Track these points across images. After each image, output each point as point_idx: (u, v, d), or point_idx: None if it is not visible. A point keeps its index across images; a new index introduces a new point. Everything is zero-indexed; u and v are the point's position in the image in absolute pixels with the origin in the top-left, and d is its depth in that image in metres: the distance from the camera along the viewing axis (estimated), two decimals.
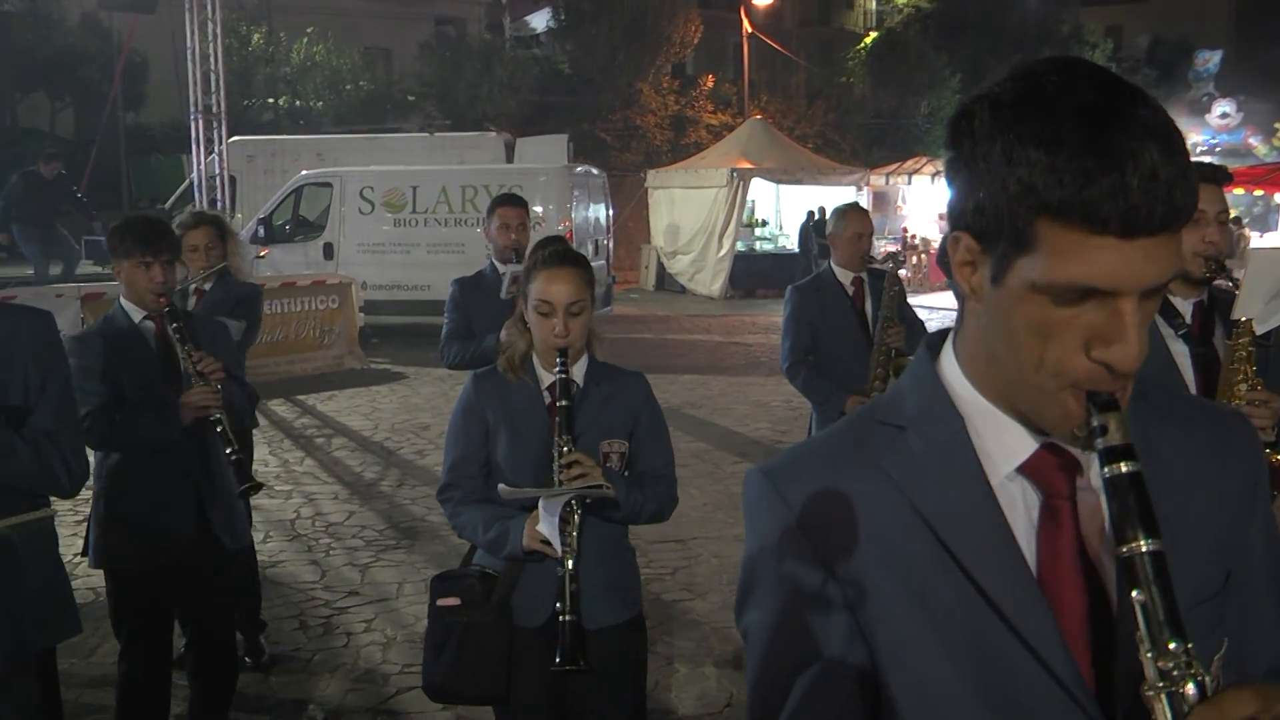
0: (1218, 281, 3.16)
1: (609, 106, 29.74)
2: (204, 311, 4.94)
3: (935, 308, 17.55)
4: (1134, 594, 1.00)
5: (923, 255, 23.59)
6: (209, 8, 14.98)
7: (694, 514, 7.32)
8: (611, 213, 19.06)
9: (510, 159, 19.58)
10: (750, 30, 31.80)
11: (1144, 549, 1.00)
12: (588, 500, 2.92)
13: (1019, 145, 1.03)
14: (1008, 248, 1.07)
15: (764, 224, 25.97)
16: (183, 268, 5.07)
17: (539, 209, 15.59)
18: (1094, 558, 1.16)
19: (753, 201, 24.53)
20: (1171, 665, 0.96)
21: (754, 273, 23.35)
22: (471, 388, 3.11)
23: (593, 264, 3.22)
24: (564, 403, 2.94)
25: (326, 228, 16.94)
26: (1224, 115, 31.74)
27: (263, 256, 16.28)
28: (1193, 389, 3.02)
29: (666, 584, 6.12)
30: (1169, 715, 0.96)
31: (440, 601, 3.05)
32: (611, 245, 19.13)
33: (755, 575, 1.24)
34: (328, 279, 14.70)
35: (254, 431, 5.38)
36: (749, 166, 22.57)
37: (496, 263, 5.11)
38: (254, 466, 5.30)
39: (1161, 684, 0.97)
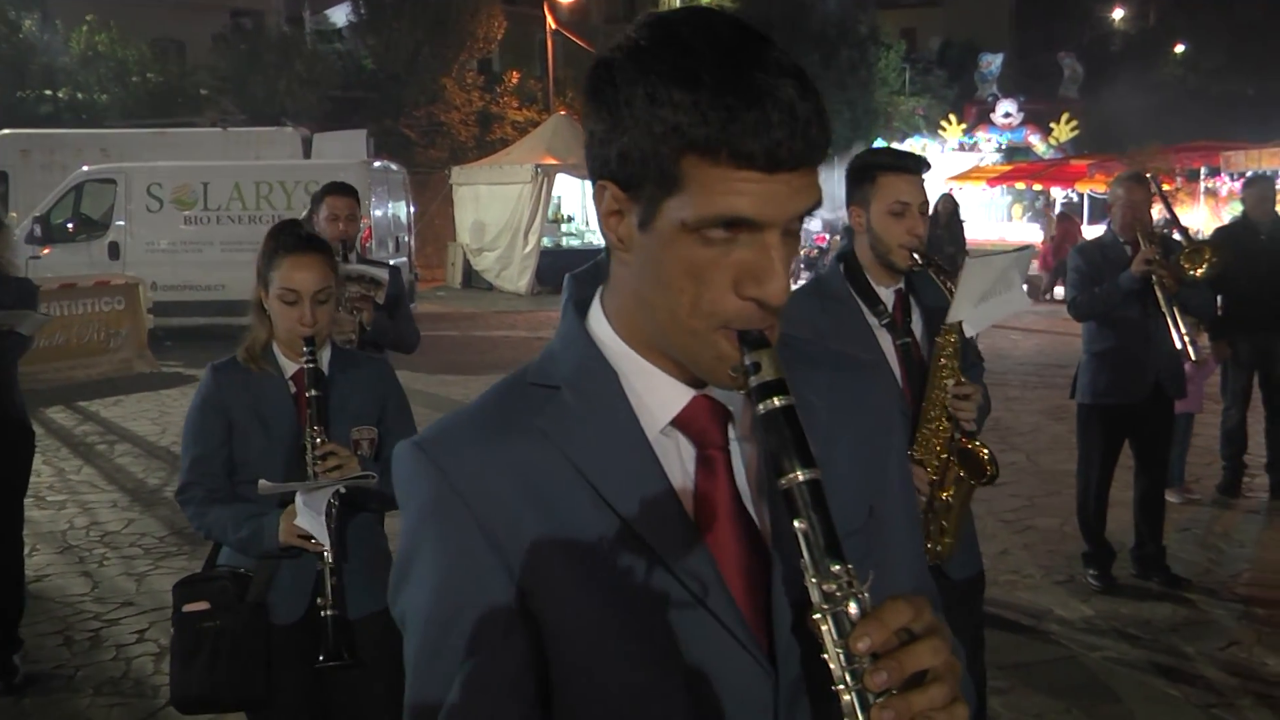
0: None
1: (413, 102, 29.23)
2: None
3: None
4: (795, 523, 0.99)
5: None
6: None
7: None
8: (413, 209, 18.77)
9: (308, 154, 19.07)
10: (555, 26, 31.79)
11: (801, 479, 1.00)
12: (342, 491, 2.85)
13: (662, 86, 1.03)
14: (655, 190, 1.07)
15: (570, 220, 25.99)
16: None
17: None
18: (752, 507, 1.17)
19: (558, 198, 24.52)
20: (834, 587, 0.97)
21: (561, 269, 22.64)
22: (210, 380, 2.99)
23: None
24: (314, 393, 2.87)
25: (111, 226, 16.19)
26: (1006, 115, 33.28)
27: (39, 257, 15.40)
28: (899, 379, 3.10)
29: None
30: (835, 634, 0.96)
31: (188, 608, 2.91)
32: (413, 242, 18.85)
33: (413, 554, 1.18)
34: (113, 279, 14.07)
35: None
36: (554, 163, 22.52)
37: None
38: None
39: (827, 606, 0.97)
